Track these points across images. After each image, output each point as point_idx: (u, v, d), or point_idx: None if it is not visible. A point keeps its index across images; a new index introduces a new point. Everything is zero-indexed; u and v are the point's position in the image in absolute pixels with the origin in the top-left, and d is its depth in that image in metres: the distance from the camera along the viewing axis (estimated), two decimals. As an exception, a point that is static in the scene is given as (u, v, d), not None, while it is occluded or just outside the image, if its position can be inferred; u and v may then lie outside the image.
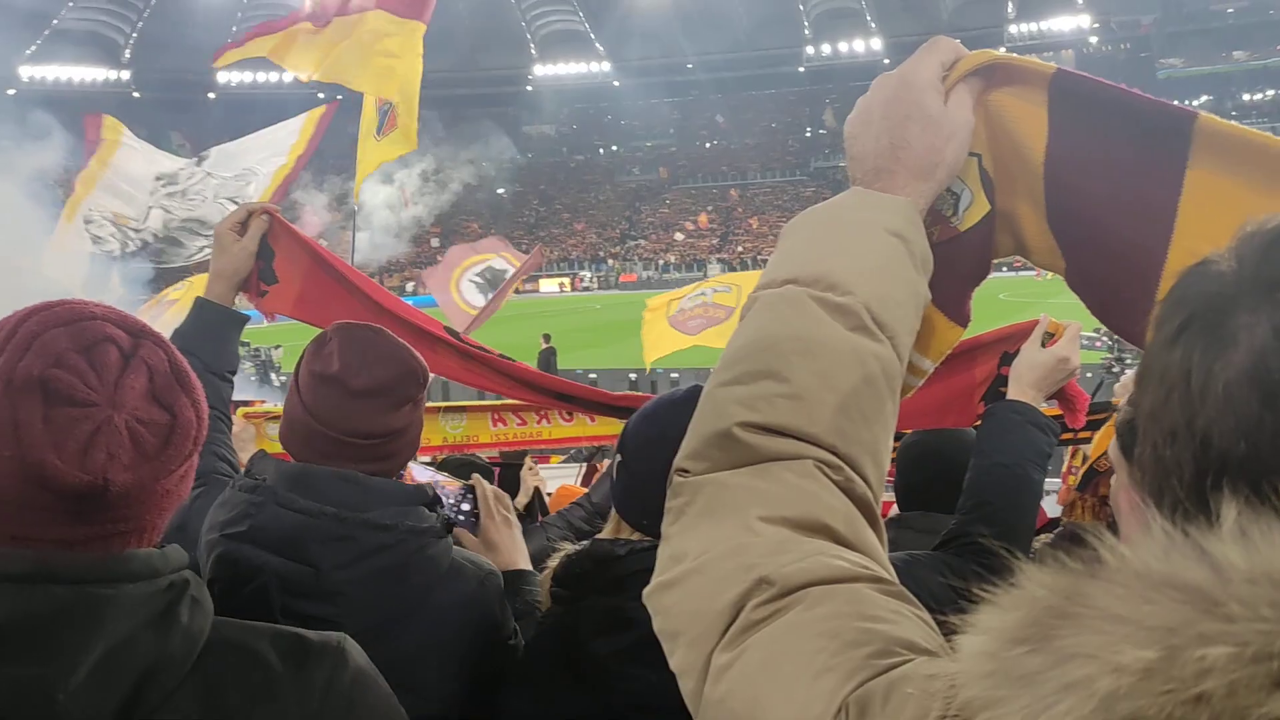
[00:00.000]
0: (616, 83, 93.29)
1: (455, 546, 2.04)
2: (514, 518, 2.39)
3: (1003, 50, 1.11)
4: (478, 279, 11.52)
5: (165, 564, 1.27)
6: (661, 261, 79.88)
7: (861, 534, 0.90)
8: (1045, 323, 2.21)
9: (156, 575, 1.25)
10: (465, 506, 2.41)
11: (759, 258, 77.35)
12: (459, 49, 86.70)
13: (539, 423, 4.79)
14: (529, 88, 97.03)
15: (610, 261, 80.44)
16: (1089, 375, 20.76)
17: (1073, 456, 3.77)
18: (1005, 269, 64.75)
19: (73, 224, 7.87)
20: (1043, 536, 4.36)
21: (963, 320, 1.23)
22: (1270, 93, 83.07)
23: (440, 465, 4.41)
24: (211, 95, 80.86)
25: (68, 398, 1.20)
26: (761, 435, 0.93)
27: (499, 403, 4.73)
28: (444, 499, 2.30)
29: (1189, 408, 0.62)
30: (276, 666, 1.30)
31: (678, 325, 11.04)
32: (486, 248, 12.39)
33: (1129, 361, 19.05)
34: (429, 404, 5.64)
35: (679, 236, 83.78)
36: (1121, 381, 3.25)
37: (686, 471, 0.98)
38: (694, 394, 2.03)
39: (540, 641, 1.99)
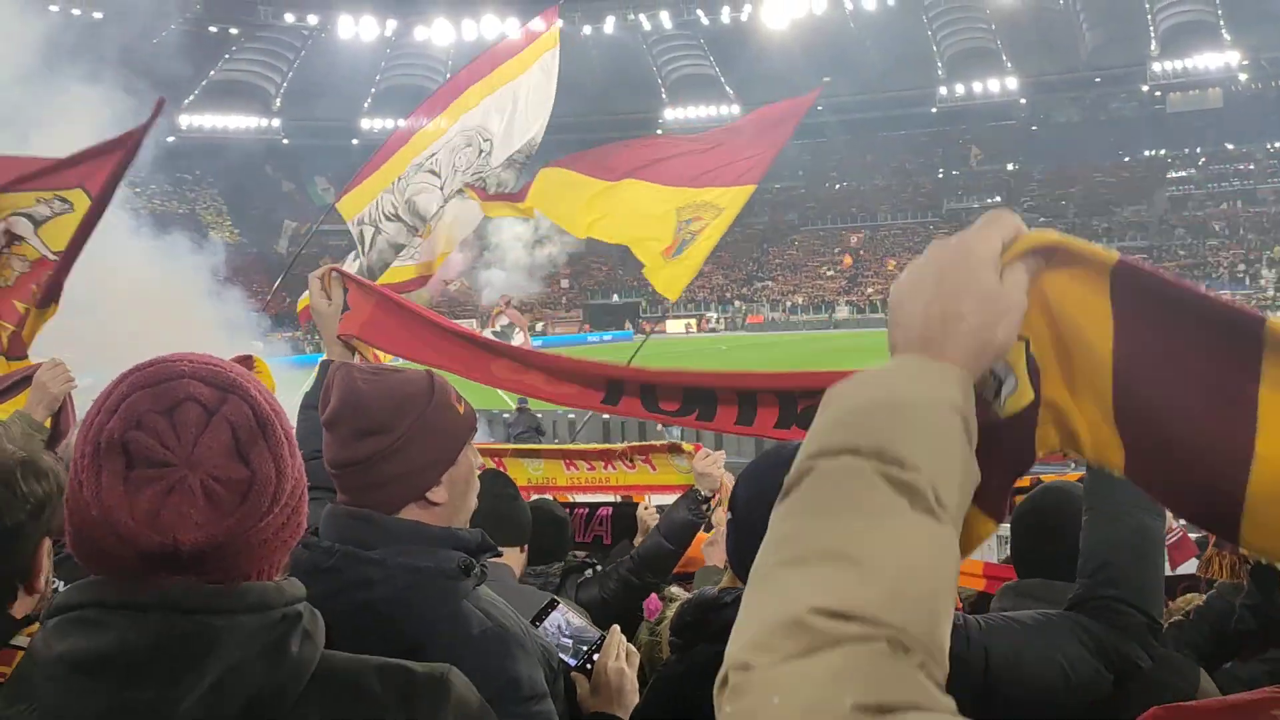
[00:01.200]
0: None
1: (484, 595, 2.05)
2: (632, 673, 2.37)
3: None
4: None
5: (280, 597, 1.33)
6: (789, 303, 79.51)
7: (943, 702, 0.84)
8: None
9: (270, 608, 1.30)
10: (584, 648, 2.42)
11: (889, 300, 76.22)
12: (590, 92, 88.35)
13: (606, 468, 5.01)
14: (659, 131, 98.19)
15: (737, 303, 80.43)
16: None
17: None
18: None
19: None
20: (1190, 596, 4.16)
21: (999, 515, 1.15)
22: None
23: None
24: (355, 141, 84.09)
25: (145, 459, 1.25)
26: (835, 621, 0.85)
27: (571, 447, 4.97)
28: (568, 640, 2.38)
29: None
30: (381, 698, 1.36)
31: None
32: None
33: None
34: (512, 446, 5.80)
35: (826, 271, 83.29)
36: None
37: (748, 666, 0.89)
38: (791, 450, 2.11)
39: (658, 685, 2.05)
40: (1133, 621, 2.06)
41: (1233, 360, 0.96)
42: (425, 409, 2.05)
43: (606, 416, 22.09)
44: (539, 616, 2.46)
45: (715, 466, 4.38)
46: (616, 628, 2.41)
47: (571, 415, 20.77)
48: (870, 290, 79.00)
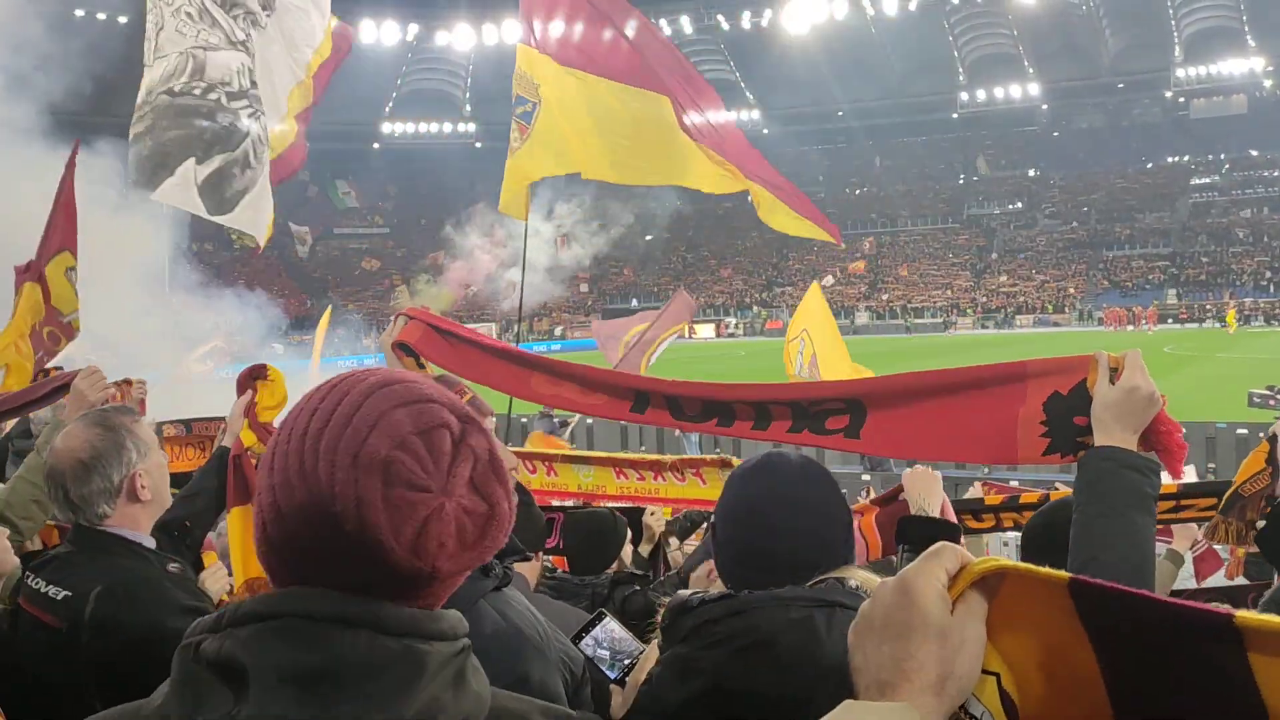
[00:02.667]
0: (766, 130, 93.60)
1: (508, 598, 2.11)
2: None
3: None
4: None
5: (461, 627, 1.31)
6: (808, 309, 79.24)
7: None
8: (1105, 359, 2.10)
9: (456, 637, 1.28)
10: (624, 660, 2.45)
11: (908, 305, 76.16)
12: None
13: (656, 479, 5.13)
14: (375, 145, 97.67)
15: (756, 308, 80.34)
16: (1261, 435, 19.56)
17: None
18: (1170, 320, 61.96)
19: None
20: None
21: None
22: None
23: (567, 513, 4.55)
24: (376, 145, 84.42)
25: (407, 481, 1.22)
26: None
27: (621, 456, 5.07)
28: (605, 652, 2.43)
29: None
30: None
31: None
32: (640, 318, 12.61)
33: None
34: (565, 452, 5.94)
35: (829, 281, 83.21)
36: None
37: None
38: (763, 464, 2.21)
39: (646, 687, 2.10)
40: None
41: (1217, 659, 0.93)
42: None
43: (623, 423, 22.29)
44: (586, 628, 2.49)
45: None
46: (655, 643, 2.39)
47: (590, 419, 20.86)
48: (888, 296, 78.77)
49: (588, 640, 2.45)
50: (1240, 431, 18.95)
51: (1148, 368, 2.08)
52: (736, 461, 4.80)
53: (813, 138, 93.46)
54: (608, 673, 2.41)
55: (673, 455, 5.36)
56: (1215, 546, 5.12)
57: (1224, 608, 0.92)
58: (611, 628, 2.53)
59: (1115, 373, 2.08)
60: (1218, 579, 4.99)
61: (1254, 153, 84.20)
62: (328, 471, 1.22)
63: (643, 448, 20.40)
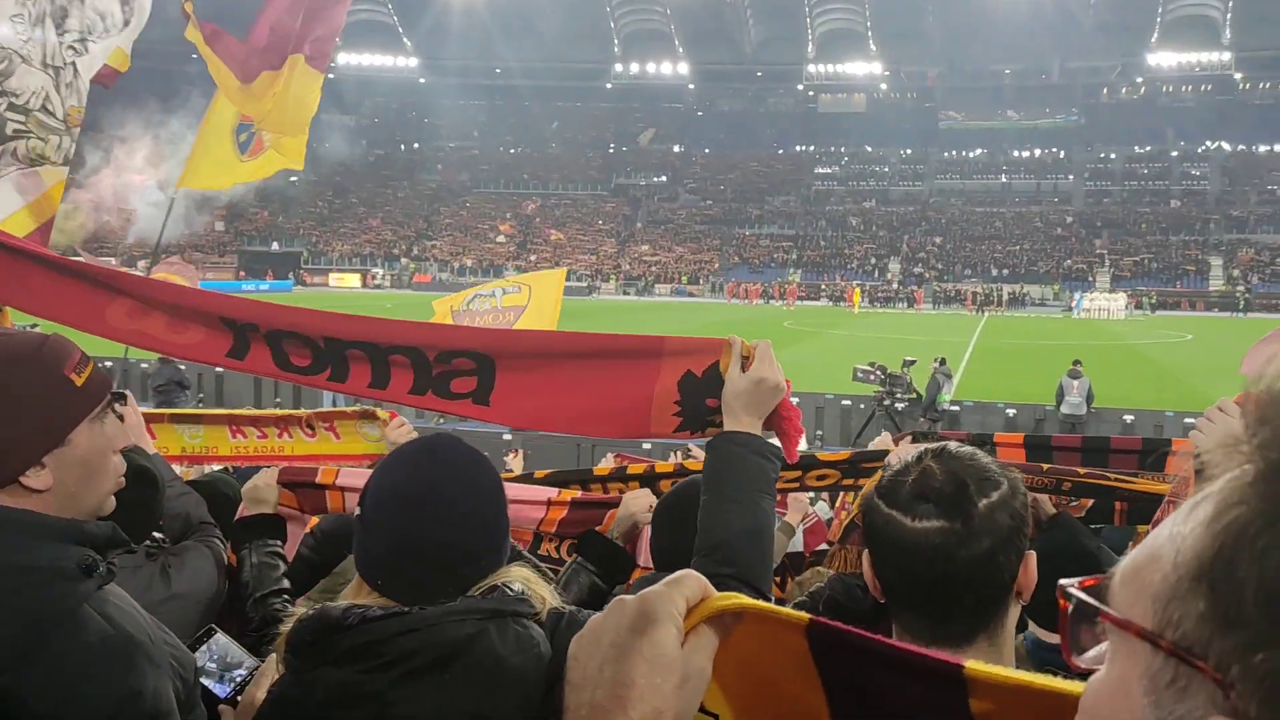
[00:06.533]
0: (422, 80, 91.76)
1: (113, 596, 1.84)
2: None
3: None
4: None
5: None
6: (457, 264, 79.03)
7: None
8: (738, 345, 2.18)
9: None
10: (236, 677, 2.28)
11: (556, 268, 77.55)
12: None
13: (280, 436, 4.50)
14: (330, 75, 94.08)
15: (405, 260, 78.96)
16: (862, 407, 21.79)
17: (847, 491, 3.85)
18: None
19: None
20: (818, 569, 4.49)
21: None
22: (1037, 151, 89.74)
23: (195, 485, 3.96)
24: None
25: None
26: None
27: (241, 413, 4.47)
28: (214, 666, 2.23)
29: None
30: None
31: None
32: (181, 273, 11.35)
33: (899, 395, 20.02)
34: (168, 411, 5.12)
35: (501, 238, 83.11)
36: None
37: None
38: (434, 444, 1.99)
39: (268, 712, 1.85)
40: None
41: (942, 705, 0.95)
42: (10, 377, 1.78)
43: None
44: (193, 646, 2.27)
45: (408, 436, 4.17)
46: (273, 658, 2.17)
47: (220, 368, 19.56)
48: (536, 258, 79.98)
49: (195, 656, 2.26)
50: (845, 403, 20.88)
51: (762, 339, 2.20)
52: (383, 414, 4.46)
53: (469, 92, 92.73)
54: (217, 690, 2.24)
55: (308, 410, 4.74)
56: (822, 517, 5.57)
57: (955, 658, 0.95)
58: (222, 642, 2.35)
59: (747, 360, 2.15)
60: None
61: (869, 149, 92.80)
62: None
63: (278, 400, 19.26)
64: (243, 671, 2.31)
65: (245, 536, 2.86)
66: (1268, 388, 0.61)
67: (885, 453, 3.37)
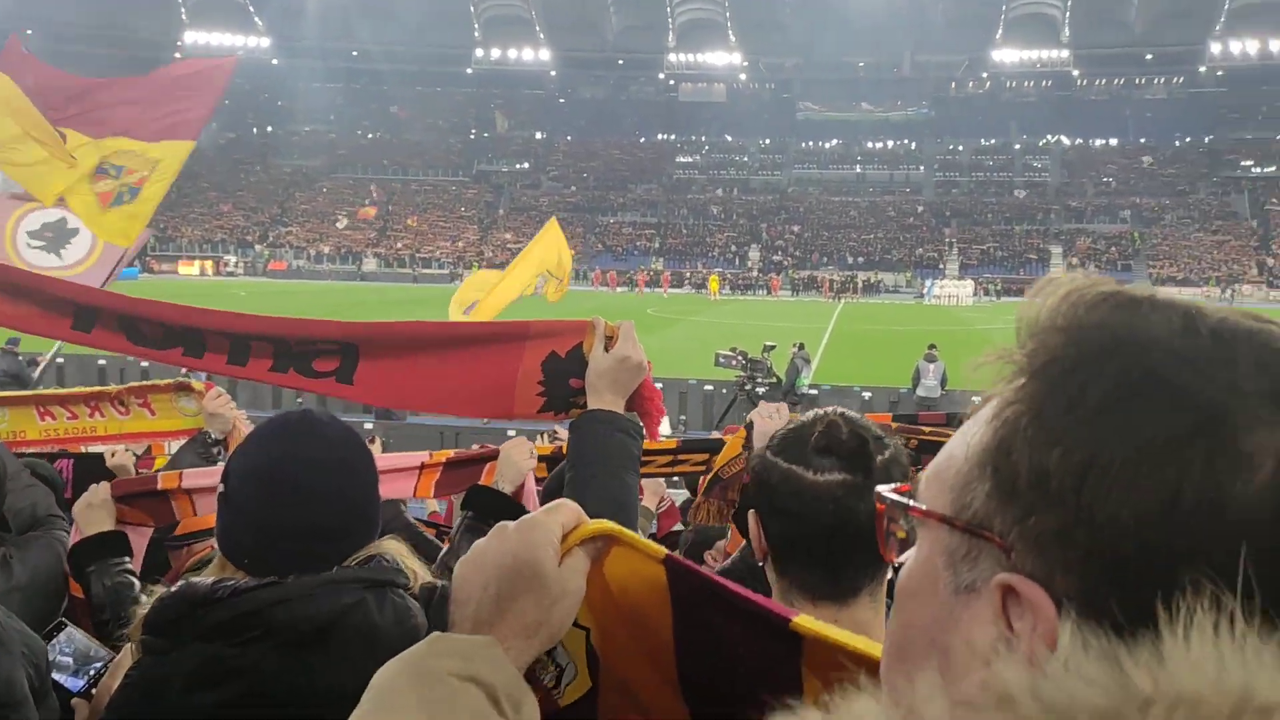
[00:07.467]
0: (275, 61, 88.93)
1: None
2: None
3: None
4: (38, 241, 9.74)
5: None
6: (314, 251, 77.07)
7: None
8: (601, 326, 2.22)
9: None
10: (91, 670, 2.22)
11: (417, 255, 76.46)
12: (103, 6, 79.60)
13: (91, 416, 4.27)
14: (177, 55, 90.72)
15: (259, 247, 76.59)
16: (724, 391, 22.14)
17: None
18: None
19: None
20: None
21: None
22: (890, 143, 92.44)
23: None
24: None
25: None
26: None
27: (48, 393, 4.23)
28: (67, 659, 2.18)
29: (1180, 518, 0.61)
30: None
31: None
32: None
33: (760, 379, 20.42)
34: None
35: (341, 223, 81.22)
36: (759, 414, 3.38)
37: None
38: (302, 418, 1.97)
39: (124, 697, 1.78)
40: None
41: (774, 646, 1.07)
42: None
43: (104, 361, 20.09)
44: (45, 639, 2.21)
45: (228, 406, 4.07)
46: (129, 648, 2.11)
47: (61, 358, 18.62)
48: (399, 244, 78.60)
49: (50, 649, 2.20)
50: (707, 388, 21.19)
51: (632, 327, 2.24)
52: (198, 385, 4.27)
53: (327, 75, 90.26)
54: (70, 685, 2.18)
55: (119, 386, 4.44)
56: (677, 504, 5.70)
57: (788, 610, 1.08)
58: (75, 636, 2.30)
59: (610, 340, 2.18)
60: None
61: (729, 138, 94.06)
62: None
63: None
64: (98, 665, 2.26)
65: (88, 560, 2.77)
66: (1034, 309, 0.72)
67: (716, 441, 3.48)
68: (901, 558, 0.81)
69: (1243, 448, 0.61)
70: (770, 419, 3.19)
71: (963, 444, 0.74)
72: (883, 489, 0.82)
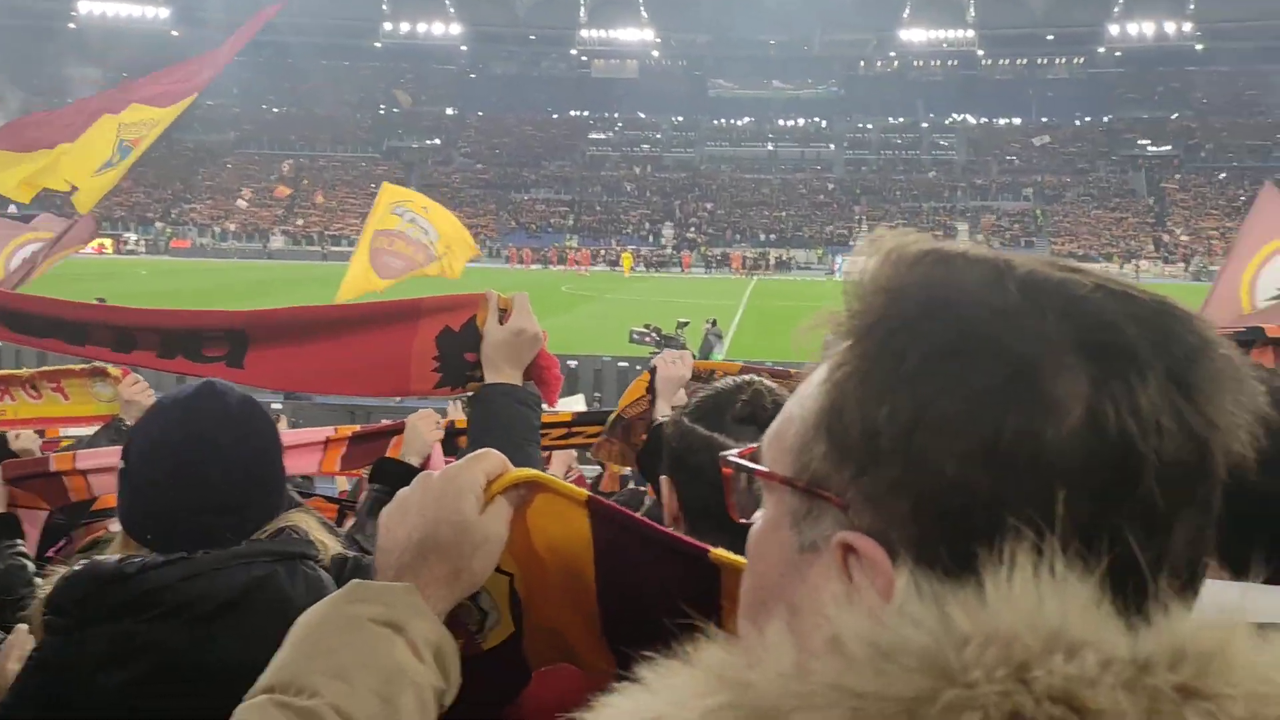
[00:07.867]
0: (175, 33, 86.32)
1: None
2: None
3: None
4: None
5: None
6: (219, 229, 75.21)
7: None
8: (494, 299, 2.21)
9: None
10: None
11: (326, 232, 75.07)
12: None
13: (2, 400, 4.17)
14: (71, 25, 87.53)
15: (160, 225, 74.46)
16: (639, 368, 22.12)
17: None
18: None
19: None
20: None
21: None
22: (801, 121, 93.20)
23: None
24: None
25: None
26: None
27: None
28: None
29: (1000, 463, 0.63)
30: None
31: (377, 260, 10.64)
32: (42, 226, 10.63)
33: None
34: None
35: (242, 203, 79.35)
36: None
37: None
38: (203, 391, 1.97)
39: (29, 678, 1.75)
40: None
41: (694, 579, 1.10)
42: None
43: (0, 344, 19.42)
44: None
45: (145, 394, 4.00)
46: (23, 628, 2.11)
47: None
48: (303, 221, 77.06)
49: None
50: (622, 364, 21.19)
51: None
52: (114, 371, 4.18)
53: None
54: None
55: (31, 369, 4.32)
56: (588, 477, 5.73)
57: (702, 545, 1.12)
58: None
59: (505, 313, 2.17)
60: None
61: (642, 115, 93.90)
62: None
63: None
64: None
65: None
66: (858, 270, 0.75)
67: (610, 413, 3.53)
68: (753, 517, 0.82)
69: (1053, 394, 0.63)
70: (673, 364, 3.24)
71: (799, 405, 0.75)
72: (728, 453, 0.85)
